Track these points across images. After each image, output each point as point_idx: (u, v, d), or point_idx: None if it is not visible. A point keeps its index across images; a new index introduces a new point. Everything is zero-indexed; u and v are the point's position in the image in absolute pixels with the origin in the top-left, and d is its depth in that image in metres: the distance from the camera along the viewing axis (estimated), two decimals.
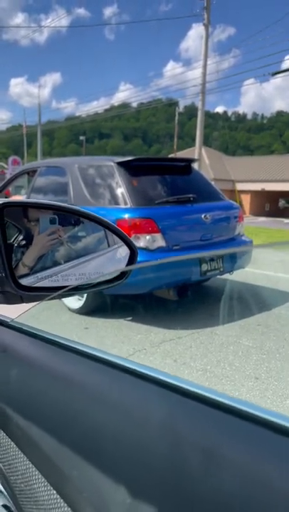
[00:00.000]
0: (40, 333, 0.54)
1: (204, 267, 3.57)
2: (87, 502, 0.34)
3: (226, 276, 4.05)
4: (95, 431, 0.36)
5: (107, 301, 3.85)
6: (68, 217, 0.72)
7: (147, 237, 3.35)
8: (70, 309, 3.80)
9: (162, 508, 0.28)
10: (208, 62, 17.14)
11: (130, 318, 3.60)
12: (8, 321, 0.59)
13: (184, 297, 3.59)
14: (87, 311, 3.68)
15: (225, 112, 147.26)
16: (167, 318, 3.59)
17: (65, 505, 0.37)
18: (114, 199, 3.58)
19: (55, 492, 0.39)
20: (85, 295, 3.62)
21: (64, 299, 3.87)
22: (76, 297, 3.77)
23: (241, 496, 0.25)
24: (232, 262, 3.87)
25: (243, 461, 0.26)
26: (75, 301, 3.77)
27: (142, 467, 0.31)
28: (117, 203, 3.53)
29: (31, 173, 4.67)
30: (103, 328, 3.52)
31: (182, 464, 0.28)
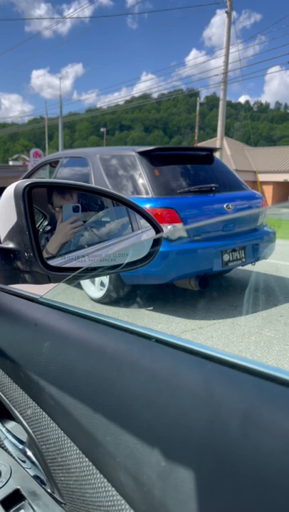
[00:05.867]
0: (67, 308, 0.55)
1: (226, 257, 3.54)
2: (120, 466, 0.34)
3: (248, 267, 4.01)
4: (129, 398, 0.36)
5: (128, 290, 3.87)
6: (93, 203, 0.73)
7: (169, 227, 3.34)
8: (91, 299, 3.84)
9: (199, 468, 0.28)
10: (232, 50, 16.84)
11: (151, 308, 3.61)
12: (38, 297, 0.61)
13: (205, 288, 3.57)
14: (108, 300, 3.71)
15: (247, 102, 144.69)
16: (188, 309, 3.59)
17: (98, 471, 0.38)
18: (135, 189, 3.58)
19: (87, 459, 0.40)
20: (107, 284, 3.65)
21: (86, 289, 3.92)
22: (98, 287, 3.80)
23: (278, 453, 0.25)
24: (254, 252, 3.82)
25: (279, 421, 0.26)
26: (97, 291, 3.80)
27: (177, 431, 0.31)
28: (138, 193, 3.53)
29: (53, 163, 4.71)
30: (124, 317, 3.54)
31: (219, 426, 0.28)
